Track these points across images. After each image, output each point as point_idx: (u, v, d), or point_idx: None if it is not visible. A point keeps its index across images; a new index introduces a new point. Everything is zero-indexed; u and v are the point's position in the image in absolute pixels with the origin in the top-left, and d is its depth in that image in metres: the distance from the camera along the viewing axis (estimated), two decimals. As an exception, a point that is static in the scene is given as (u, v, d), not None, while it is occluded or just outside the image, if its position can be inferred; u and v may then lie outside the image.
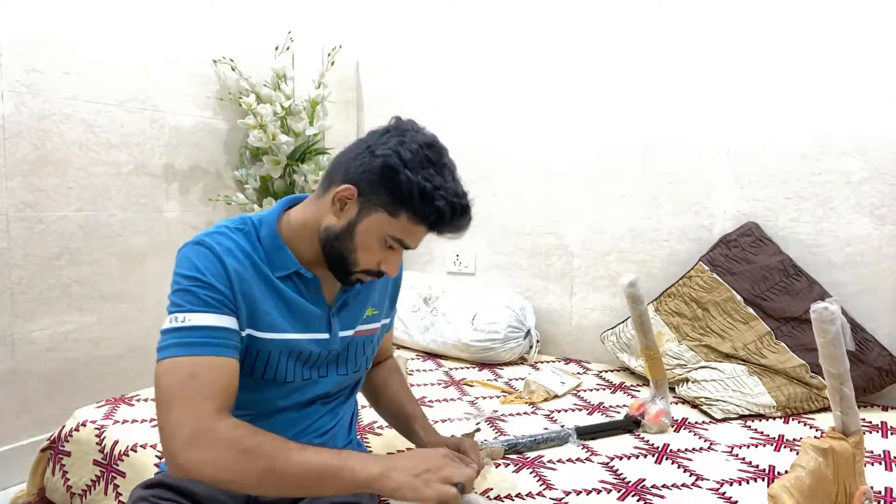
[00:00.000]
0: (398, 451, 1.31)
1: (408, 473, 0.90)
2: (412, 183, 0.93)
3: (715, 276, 1.90)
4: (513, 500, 1.18)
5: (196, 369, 0.87)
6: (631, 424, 1.53)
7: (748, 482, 1.27)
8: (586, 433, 1.47)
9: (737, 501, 1.18)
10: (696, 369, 1.80)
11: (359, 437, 1.45)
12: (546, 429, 1.55)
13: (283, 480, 0.86)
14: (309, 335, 1.05)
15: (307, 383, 1.07)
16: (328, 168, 1.04)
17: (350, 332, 1.11)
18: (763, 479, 1.28)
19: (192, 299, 0.91)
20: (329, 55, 2.44)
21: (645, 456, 1.39)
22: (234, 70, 2.29)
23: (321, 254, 1.01)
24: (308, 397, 1.09)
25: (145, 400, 1.67)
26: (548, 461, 1.35)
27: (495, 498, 1.18)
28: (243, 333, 0.96)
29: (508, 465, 1.33)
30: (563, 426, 1.49)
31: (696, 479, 1.27)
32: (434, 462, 0.94)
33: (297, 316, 1.03)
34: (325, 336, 1.07)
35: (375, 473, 0.88)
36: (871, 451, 1.43)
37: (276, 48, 2.37)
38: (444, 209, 0.94)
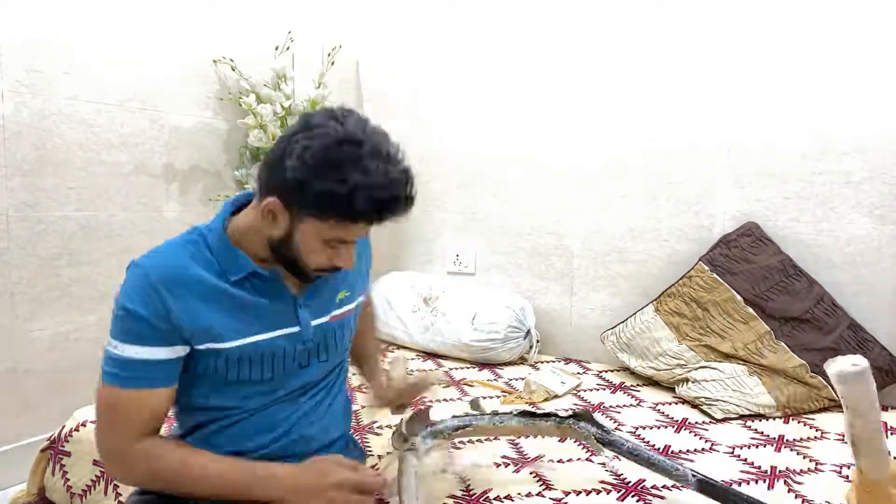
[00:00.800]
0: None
1: (302, 493, 0.97)
2: (327, 192, 0.89)
3: (715, 276, 1.90)
4: (512, 500, 1.18)
5: (118, 402, 0.95)
6: None
7: (748, 483, 1.27)
8: (709, 490, 1.09)
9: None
10: (696, 369, 1.80)
11: (358, 437, 1.46)
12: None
13: (196, 494, 0.98)
14: (276, 332, 1.04)
15: (288, 376, 1.07)
16: (257, 174, 1.03)
17: (324, 319, 1.10)
18: (764, 480, 1.28)
19: (122, 330, 0.94)
20: (329, 55, 2.44)
21: (645, 456, 1.39)
22: (234, 70, 2.28)
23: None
24: (294, 389, 1.08)
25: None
26: (548, 461, 1.35)
27: (495, 498, 1.18)
28: (201, 347, 0.97)
29: (508, 465, 1.33)
30: (682, 466, 1.12)
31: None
32: (327, 483, 0.97)
33: (259, 316, 1.02)
34: (295, 329, 1.06)
35: (278, 495, 0.97)
36: (871, 452, 1.43)
37: (276, 48, 2.37)
38: (366, 206, 0.90)
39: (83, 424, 1.51)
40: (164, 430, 1.03)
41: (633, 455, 1.14)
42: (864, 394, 0.92)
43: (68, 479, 1.48)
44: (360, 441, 1.44)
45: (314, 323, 1.08)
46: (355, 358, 1.35)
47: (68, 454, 1.50)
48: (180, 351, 0.97)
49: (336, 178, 0.89)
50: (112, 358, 0.94)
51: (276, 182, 0.94)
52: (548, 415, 1.21)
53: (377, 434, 1.50)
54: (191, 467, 0.96)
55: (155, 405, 0.97)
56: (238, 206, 1.06)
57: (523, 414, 1.23)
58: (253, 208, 1.02)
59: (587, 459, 1.37)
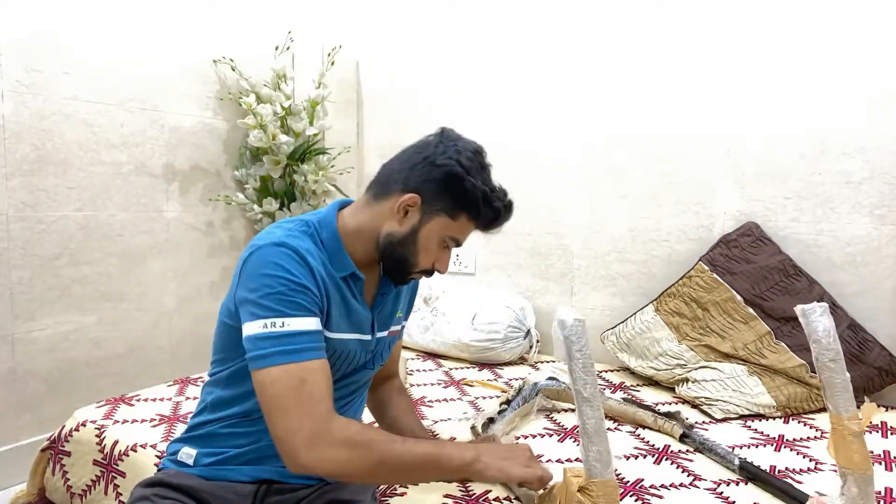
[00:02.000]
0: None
1: (495, 457, 0.99)
2: (476, 188, 1.02)
3: (715, 276, 1.90)
4: (511, 501, 1.18)
5: (305, 375, 0.90)
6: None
7: (747, 483, 1.27)
8: (753, 475, 1.27)
9: (734, 502, 1.18)
10: (696, 369, 1.80)
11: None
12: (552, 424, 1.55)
13: (392, 470, 0.94)
14: (356, 335, 1.08)
15: (344, 382, 1.10)
16: (378, 177, 1.09)
17: (385, 333, 1.16)
18: (763, 480, 1.28)
19: (287, 303, 0.92)
20: (329, 55, 2.44)
21: (644, 456, 1.40)
22: (234, 70, 2.29)
23: (374, 257, 1.07)
24: (341, 394, 1.11)
25: (145, 400, 1.67)
26: (546, 461, 1.35)
27: (494, 499, 1.18)
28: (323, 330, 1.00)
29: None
30: (731, 451, 1.36)
31: (694, 480, 1.27)
32: (518, 452, 1.02)
33: (350, 316, 1.06)
34: (368, 337, 1.11)
35: (469, 458, 0.96)
36: (871, 452, 1.43)
37: (276, 48, 2.37)
38: (500, 209, 1.05)
39: (83, 424, 1.51)
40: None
41: (708, 450, 1.38)
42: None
43: (68, 479, 1.48)
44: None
45: (378, 335, 1.13)
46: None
47: (68, 454, 1.49)
48: (320, 325, 0.97)
49: (482, 179, 1.04)
50: (283, 336, 0.90)
51: (417, 179, 1.03)
52: (648, 406, 1.44)
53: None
54: (391, 436, 0.97)
55: (328, 376, 0.93)
56: (341, 207, 1.11)
57: (627, 400, 1.50)
58: (361, 209, 1.08)
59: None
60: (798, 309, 1.07)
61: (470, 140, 1.08)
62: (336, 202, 1.12)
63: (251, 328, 0.91)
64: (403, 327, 1.28)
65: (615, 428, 1.56)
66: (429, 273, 1.09)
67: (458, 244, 1.08)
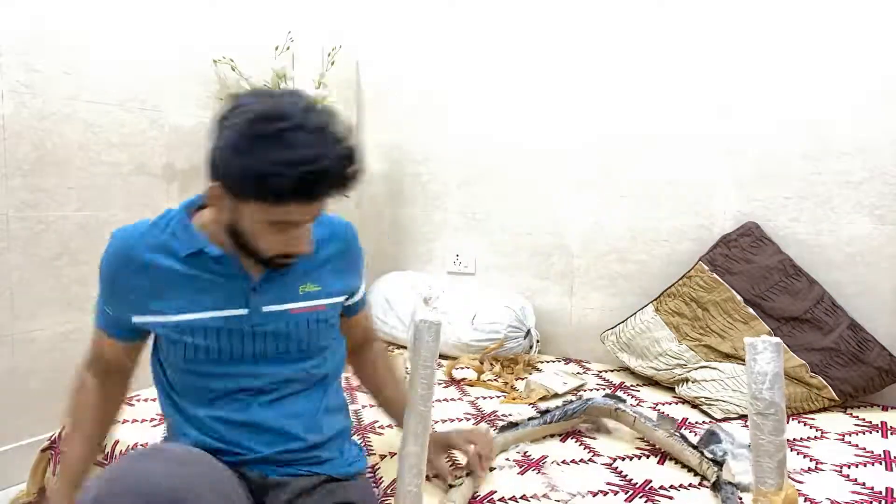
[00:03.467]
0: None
1: None
2: (245, 170, 0.88)
3: (715, 276, 1.90)
4: (517, 502, 1.18)
5: (92, 336, 1.13)
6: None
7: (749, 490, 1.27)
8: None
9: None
10: (696, 369, 1.81)
11: (360, 437, 1.46)
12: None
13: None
14: (223, 312, 1.03)
15: (245, 365, 1.05)
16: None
17: (281, 307, 1.06)
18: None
19: (99, 280, 1.08)
20: (329, 55, 2.44)
21: (647, 457, 1.40)
22: (234, 70, 2.28)
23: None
24: (258, 384, 1.06)
25: (145, 400, 1.67)
26: (551, 462, 1.35)
27: (499, 500, 1.18)
28: (141, 320, 1.05)
29: (513, 466, 1.33)
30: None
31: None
32: None
33: (211, 293, 1.03)
34: (243, 311, 1.03)
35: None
36: (872, 451, 1.44)
37: (276, 48, 2.36)
38: (287, 184, 0.87)
39: (84, 425, 1.50)
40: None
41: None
42: None
43: (69, 480, 1.48)
44: (361, 441, 1.44)
45: (266, 308, 1.05)
46: (388, 406, 1.29)
47: (69, 454, 1.49)
48: (125, 315, 1.06)
49: (256, 155, 0.87)
50: (98, 302, 1.10)
51: (211, 166, 0.95)
52: (694, 446, 1.32)
53: (379, 434, 1.50)
54: (73, 422, 1.16)
55: (106, 350, 1.11)
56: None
57: (676, 436, 1.36)
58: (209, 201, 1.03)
59: (590, 461, 1.37)
60: (747, 341, 0.91)
61: (260, 101, 0.90)
62: (203, 192, 1.06)
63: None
64: (335, 305, 1.14)
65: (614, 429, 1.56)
66: (291, 255, 0.99)
67: (298, 223, 0.95)
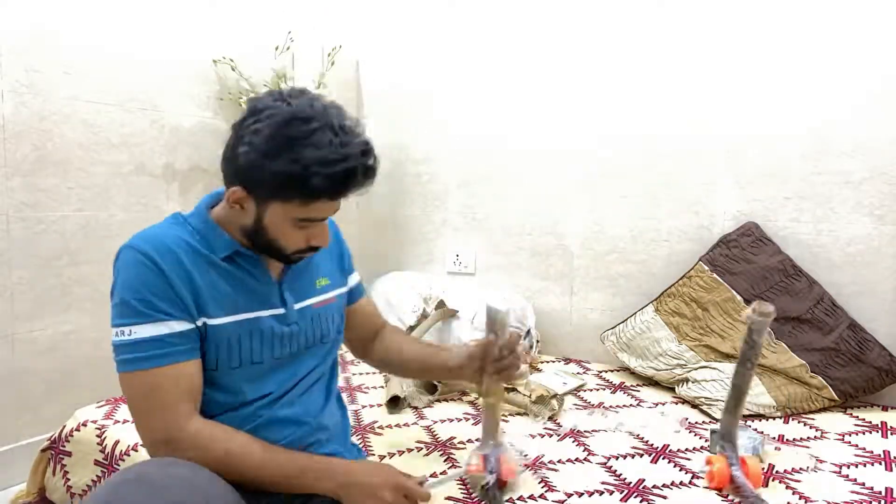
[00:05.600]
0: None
1: (361, 493, 0.97)
2: (281, 173, 0.90)
3: (715, 276, 1.90)
4: (513, 502, 1.18)
5: (157, 380, 0.93)
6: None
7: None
8: None
9: (736, 502, 1.18)
10: (696, 369, 1.81)
11: (359, 437, 1.46)
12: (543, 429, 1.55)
13: (253, 481, 0.96)
14: (266, 312, 1.04)
15: (280, 364, 1.06)
16: (220, 166, 1.02)
17: (307, 303, 1.11)
18: (764, 480, 1.28)
19: (131, 312, 0.94)
20: (329, 55, 2.44)
21: (641, 455, 1.40)
22: (234, 70, 2.28)
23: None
24: (290, 379, 1.08)
25: (145, 400, 1.67)
26: (548, 462, 1.35)
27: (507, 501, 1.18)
28: (199, 323, 0.97)
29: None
30: None
31: (693, 478, 1.28)
32: (385, 488, 0.98)
33: (249, 294, 1.03)
34: (281, 311, 1.06)
35: (329, 489, 0.97)
36: (871, 452, 1.44)
37: (276, 48, 2.37)
38: (324, 183, 0.90)
39: (84, 424, 1.51)
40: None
41: None
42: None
43: (69, 480, 1.48)
44: (360, 442, 1.44)
45: (297, 306, 1.08)
46: (423, 368, 1.30)
47: (69, 454, 1.49)
48: (190, 323, 0.96)
49: (288, 157, 0.89)
50: (128, 344, 0.93)
51: (234, 171, 0.95)
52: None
53: (378, 434, 1.50)
54: (246, 454, 0.95)
55: (190, 378, 0.95)
56: (216, 201, 1.07)
57: None
58: (224, 201, 1.02)
59: (585, 460, 1.37)
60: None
61: (283, 105, 0.92)
62: (209, 195, 1.08)
63: (112, 335, 0.97)
64: (351, 290, 1.24)
65: (614, 430, 1.56)
66: (311, 250, 1.02)
67: (322, 219, 0.99)
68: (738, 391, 1.22)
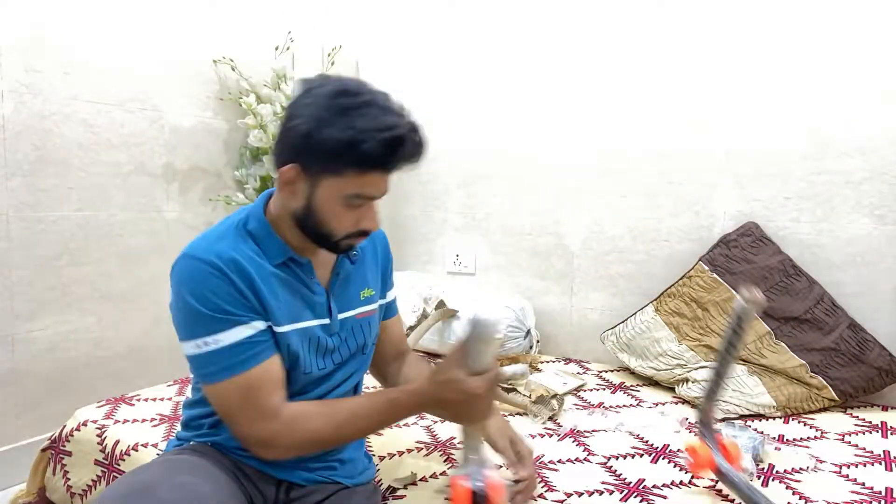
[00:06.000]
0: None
1: (446, 409, 0.98)
2: (334, 139, 0.91)
3: (715, 276, 1.90)
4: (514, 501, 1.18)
5: (250, 383, 0.94)
6: None
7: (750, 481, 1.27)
8: None
9: (734, 500, 1.18)
10: (696, 369, 1.81)
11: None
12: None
13: (352, 437, 1.03)
14: (314, 322, 1.05)
15: (323, 374, 1.07)
16: (272, 151, 1.03)
17: (349, 314, 1.11)
18: (760, 479, 1.28)
19: (207, 322, 0.93)
20: (329, 55, 2.44)
21: (641, 455, 1.40)
22: (234, 70, 2.28)
23: (304, 236, 1.01)
24: (327, 390, 1.08)
25: (145, 399, 1.67)
26: (548, 462, 1.35)
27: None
28: (269, 324, 0.98)
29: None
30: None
31: (693, 478, 1.28)
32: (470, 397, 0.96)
33: (303, 302, 1.03)
34: (327, 321, 1.06)
35: (418, 407, 1.00)
36: (871, 452, 1.44)
37: (276, 48, 2.37)
38: (377, 149, 0.91)
39: (84, 424, 1.51)
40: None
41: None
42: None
43: (69, 479, 1.48)
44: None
45: (341, 316, 1.09)
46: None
47: (69, 454, 1.49)
48: (265, 322, 0.97)
49: (342, 125, 0.91)
50: (214, 353, 0.93)
51: (287, 147, 0.96)
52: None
53: (378, 434, 1.50)
54: (337, 412, 0.98)
55: (277, 372, 0.98)
56: (270, 197, 1.07)
57: None
58: (278, 192, 1.02)
59: (585, 460, 1.37)
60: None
61: (337, 80, 0.97)
62: (266, 192, 1.08)
63: (186, 348, 0.96)
64: (387, 305, 1.24)
65: (613, 430, 1.56)
66: (361, 234, 1.01)
67: (372, 197, 0.99)
68: (718, 377, 1.21)
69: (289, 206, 0.99)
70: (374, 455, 1.38)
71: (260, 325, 0.96)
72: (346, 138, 0.90)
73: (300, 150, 0.94)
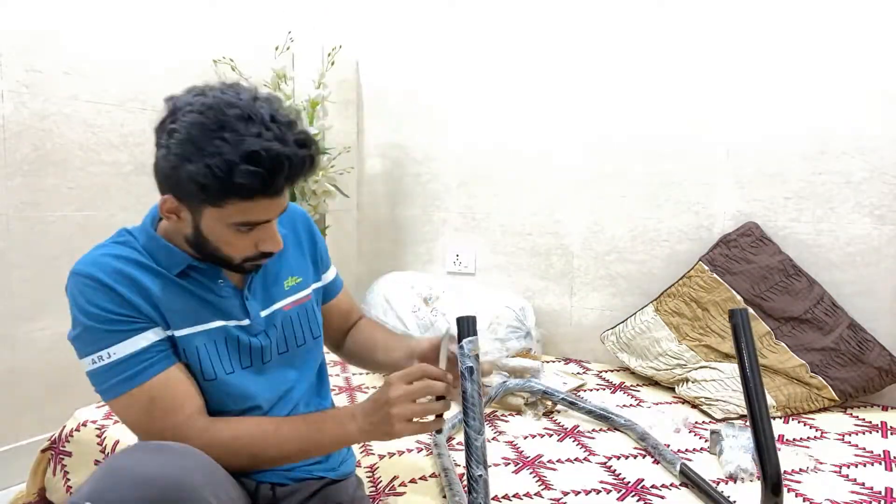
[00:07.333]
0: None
1: (373, 426, 0.94)
2: (202, 174, 0.81)
3: (715, 276, 1.90)
4: (510, 500, 1.18)
5: (152, 393, 0.90)
6: None
7: (744, 482, 1.27)
8: (690, 479, 1.24)
9: (735, 501, 1.18)
10: (696, 369, 1.81)
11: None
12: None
13: (271, 462, 0.97)
14: (231, 322, 0.99)
15: (258, 373, 1.01)
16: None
17: (275, 308, 1.04)
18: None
19: (100, 336, 0.90)
20: (329, 55, 2.44)
21: (643, 456, 1.40)
22: (234, 70, 2.28)
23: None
24: (272, 393, 1.03)
25: (145, 400, 1.67)
26: (547, 461, 1.35)
27: (493, 499, 1.18)
28: (169, 333, 0.93)
29: (508, 464, 1.33)
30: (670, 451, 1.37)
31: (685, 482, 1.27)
32: (384, 406, 0.92)
33: (208, 306, 0.97)
34: (246, 322, 1.00)
35: (353, 432, 0.95)
36: (871, 451, 1.44)
37: (276, 48, 2.37)
38: (252, 179, 0.81)
39: (84, 424, 1.51)
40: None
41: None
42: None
43: (69, 480, 1.48)
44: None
45: (264, 313, 1.02)
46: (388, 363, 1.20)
47: (69, 454, 1.49)
48: (162, 332, 0.93)
49: (210, 154, 0.80)
50: (110, 368, 0.90)
51: (159, 179, 0.90)
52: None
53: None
54: (261, 425, 0.95)
55: (182, 382, 0.92)
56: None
57: None
58: (164, 217, 0.96)
59: (585, 459, 1.37)
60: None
61: (201, 99, 0.84)
62: (153, 209, 1.02)
63: (84, 365, 0.92)
64: (325, 287, 1.17)
65: (610, 429, 1.56)
66: (263, 256, 0.95)
67: (265, 221, 0.90)
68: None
69: (180, 231, 0.94)
70: (374, 453, 1.38)
71: (155, 335, 0.91)
72: (214, 172, 0.80)
73: (172, 185, 0.87)
